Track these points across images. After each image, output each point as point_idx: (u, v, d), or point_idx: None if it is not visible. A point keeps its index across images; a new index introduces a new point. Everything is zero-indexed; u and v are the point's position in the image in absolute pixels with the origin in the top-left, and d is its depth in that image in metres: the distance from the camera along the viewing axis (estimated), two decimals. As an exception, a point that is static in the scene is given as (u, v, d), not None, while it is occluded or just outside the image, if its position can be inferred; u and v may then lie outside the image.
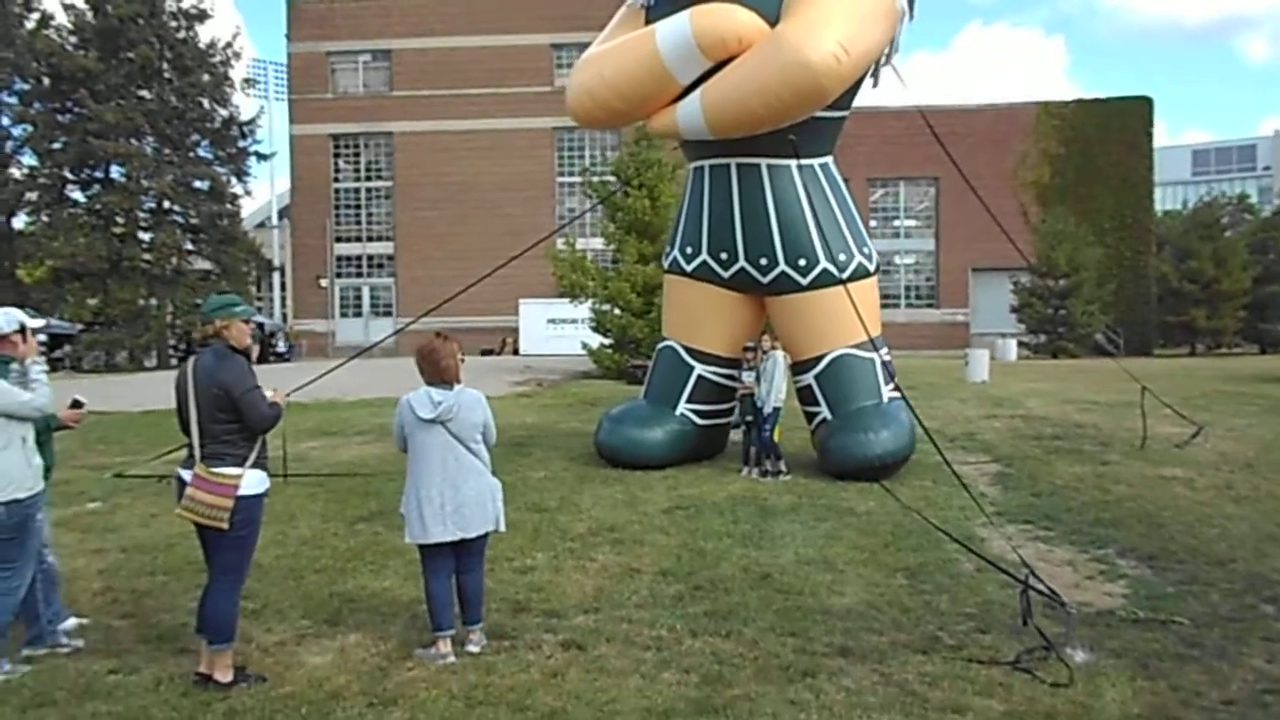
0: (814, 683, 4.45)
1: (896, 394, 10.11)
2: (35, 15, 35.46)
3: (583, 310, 25.27)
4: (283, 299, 46.12)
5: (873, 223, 40.60)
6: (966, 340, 37.32)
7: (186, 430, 4.52)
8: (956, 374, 22.90)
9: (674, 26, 8.87)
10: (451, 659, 4.70)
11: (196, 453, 4.39)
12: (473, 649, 4.83)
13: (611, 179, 24.78)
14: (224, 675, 4.38)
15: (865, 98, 10.49)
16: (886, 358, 10.13)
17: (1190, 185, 74.08)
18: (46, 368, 4.89)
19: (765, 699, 4.28)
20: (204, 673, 4.41)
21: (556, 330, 35.38)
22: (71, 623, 5.18)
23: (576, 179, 39.44)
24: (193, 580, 6.14)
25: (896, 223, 41.82)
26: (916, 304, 40.97)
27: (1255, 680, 4.52)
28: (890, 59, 9.62)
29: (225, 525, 4.32)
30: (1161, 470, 9.91)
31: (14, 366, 4.76)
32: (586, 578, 6.17)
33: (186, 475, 4.41)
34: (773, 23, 8.80)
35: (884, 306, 40.74)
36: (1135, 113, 39.21)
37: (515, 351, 36.47)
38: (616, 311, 23.25)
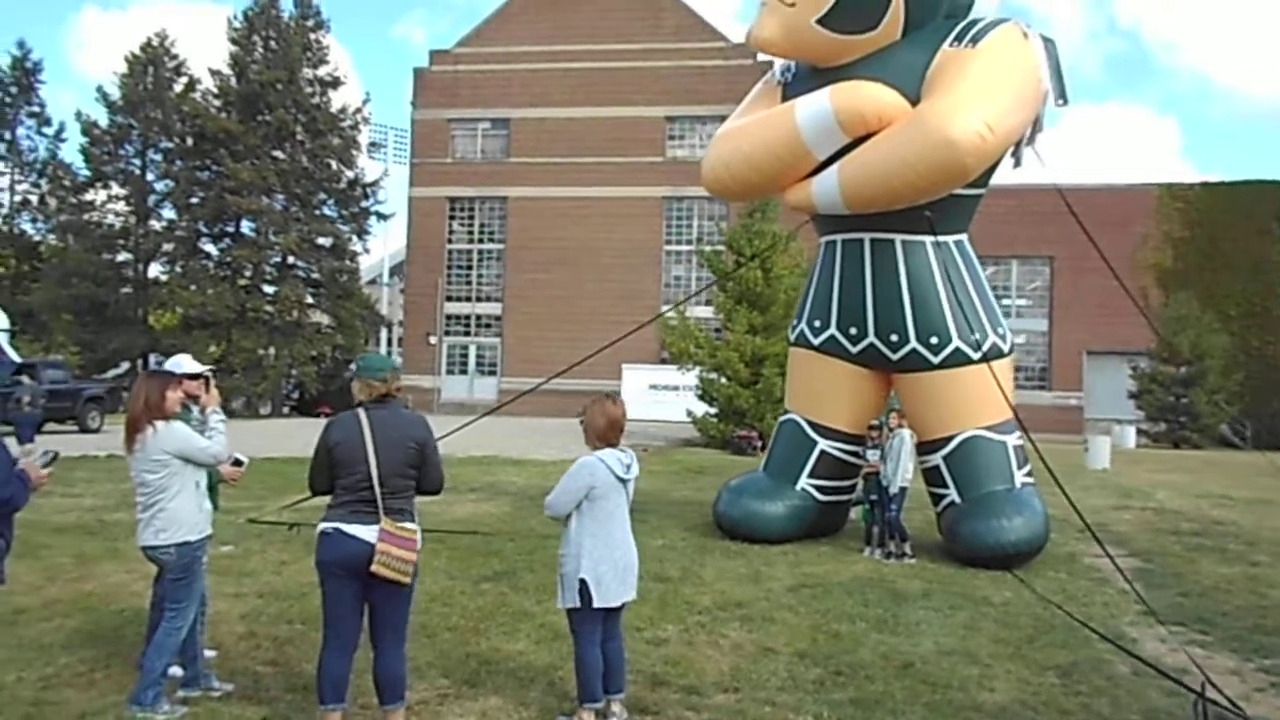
0: (978, 785, 4.22)
1: (1030, 479, 9.78)
2: (183, 79, 37.84)
3: (684, 377, 25.31)
4: (387, 353, 47.40)
5: (982, 301, 39.80)
6: (1080, 425, 36.04)
7: (340, 484, 4.42)
8: (1075, 460, 22.06)
9: (814, 103, 8.92)
10: (596, 731, 4.62)
11: (380, 507, 4.35)
12: (615, 720, 4.75)
13: (723, 249, 24.96)
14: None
15: (1036, 168, 10.16)
16: (1019, 441, 9.82)
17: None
18: (224, 417, 5.06)
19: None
20: None
21: (658, 396, 35.47)
22: (209, 654, 5.35)
23: (684, 247, 39.87)
24: (330, 631, 6.23)
25: (1007, 302, 40.81)
26: (1027, 386, 39.70)
27: None
28: (1034, 139, 9.48)
29: (409, 580, 4.37)
30: (1319, 576, 9.29)
31: (195, 414, 4.94)
32: (721, 654, 6.03)
33: (354, 530, 4.34)
34: (913, 101, 8.78)
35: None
36: (1265, 197, 37.75)
37: (616, 415, 36.58)
38: (724, 380, 23.21)
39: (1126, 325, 36.41)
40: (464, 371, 42.24)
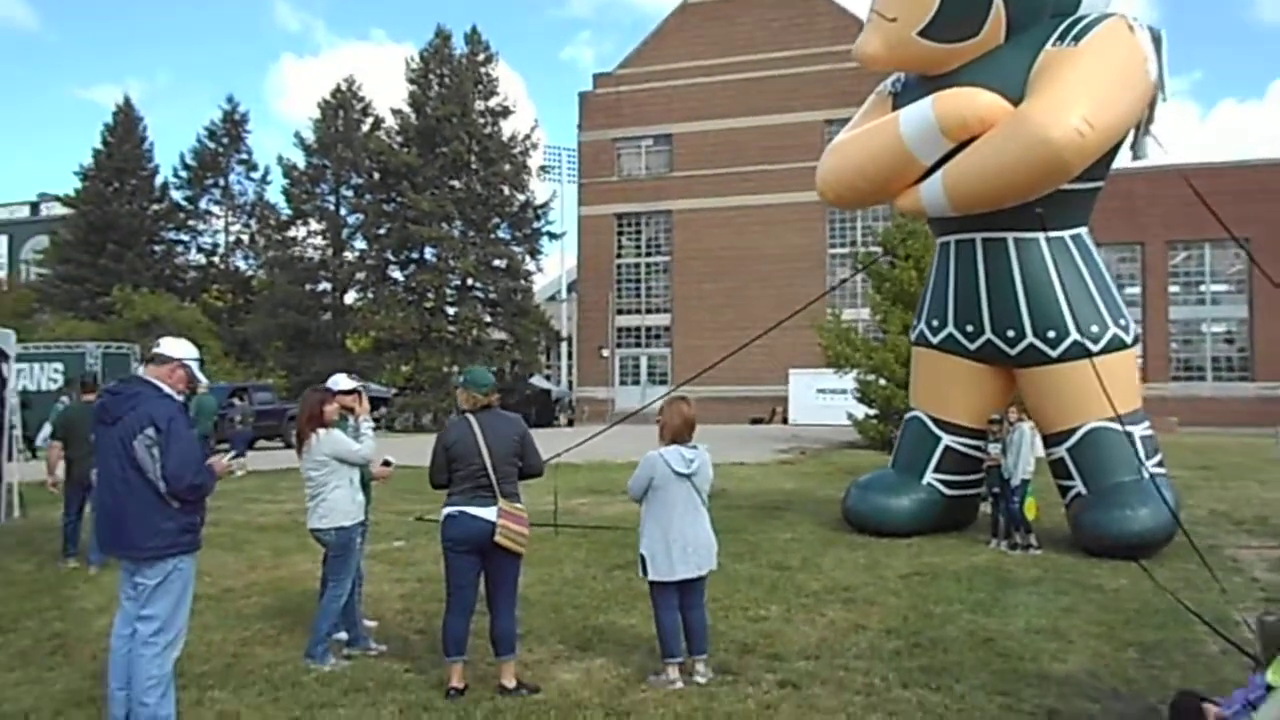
0: (1014, 737, 4.65)
1: (1161, 470, 9.73)
2: (370, 120, 41.08)
3: (850, 381, 25.44)
4: (568, 367, 49.46)
5: (1173, 289, 37.70)
6: (1288, 418, 33.56)
7: (458, 475, 5.28)
8: (1266, 454, 20.89)
9: (917, 111, 9.29)
10: (679, 684, 5.32)
11: (496, 491, 5.22)
12: (699, 679, 5.42)
13: (878, 249, 25.01)
14: (510, 680, 5.28)
15: (1160, 156, 10.10)
16: (1147, 432, 9.79)
17: None
18: (373, 425, 6.13)
19: (963, 747, 4.54)
20: (505, 685, 5.27)
21: (825, 400, 35.50)
22: (369, 623, 6.41)
23: (848, 250, 39.78)
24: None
25: (1202, 288, 38.55)
26: (1227, 376, 37.38)
27: None
28: (1149, 130, 9.48)
29: (524, 549, 5.28)
30: None
31: (350, 423, 6.02)
32: (814, 629, 6.60)
33: (476, 511, 5.20)
34: (1017, 102, 8.99)
35: (1188, 379, 37.25)
36: None
37: (784, 420, 36.95)
38: (881, 382, 23.25)
39: (1337, 308, 33.70)
40: (636, 382, 43.56)
